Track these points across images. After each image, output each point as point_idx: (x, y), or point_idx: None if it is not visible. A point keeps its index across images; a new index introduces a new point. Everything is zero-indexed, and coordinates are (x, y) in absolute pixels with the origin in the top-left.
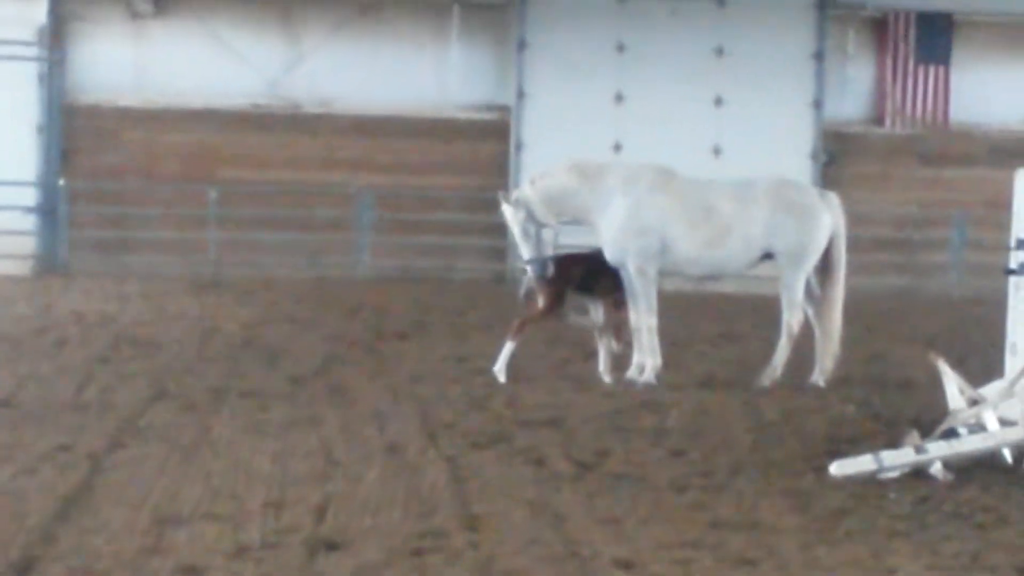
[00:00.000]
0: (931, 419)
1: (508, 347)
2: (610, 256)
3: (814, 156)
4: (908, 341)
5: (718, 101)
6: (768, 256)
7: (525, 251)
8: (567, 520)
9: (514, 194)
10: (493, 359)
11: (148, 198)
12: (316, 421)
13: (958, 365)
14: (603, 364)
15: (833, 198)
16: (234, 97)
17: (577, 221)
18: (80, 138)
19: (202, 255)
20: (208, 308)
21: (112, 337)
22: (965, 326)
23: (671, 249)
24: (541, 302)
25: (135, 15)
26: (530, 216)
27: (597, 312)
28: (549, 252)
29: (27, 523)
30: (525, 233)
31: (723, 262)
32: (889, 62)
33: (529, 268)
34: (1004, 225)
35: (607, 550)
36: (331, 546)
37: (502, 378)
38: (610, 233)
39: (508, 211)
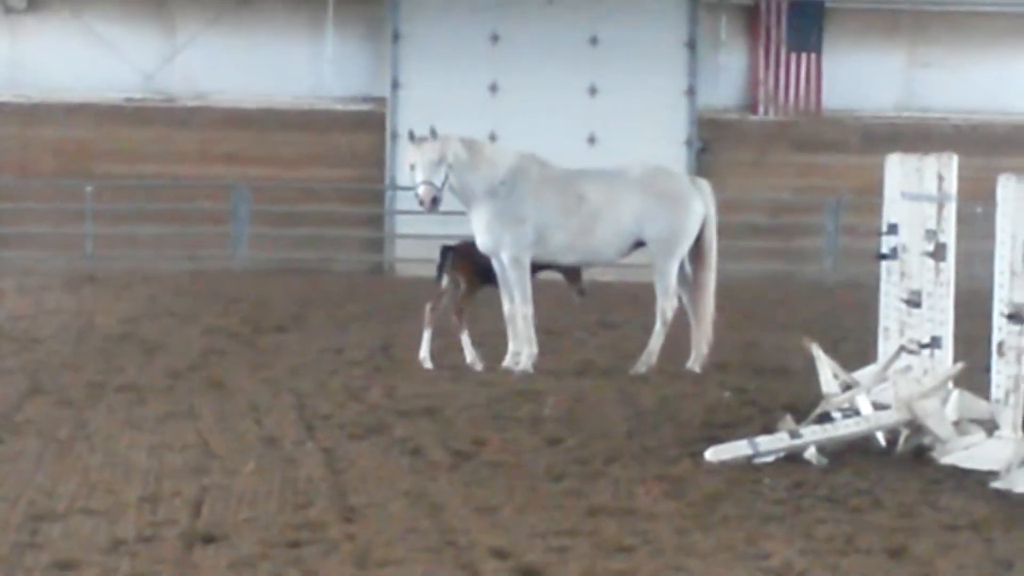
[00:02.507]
0: (806, 404)
1: (427, 334)
2: (483, 245)
3: (688, 144)
4: (783, 327)
5: (592, 90)
6: (640, 243)
7: (433, 176)
8: (444, 510)
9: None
10: (370, 350)
11: (23, 194)
12: (193, 414)
13: (832, 350)
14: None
15: (704, 185)
16: (109, 91)
17: (455, 193)
18: None
19: (79, 250)
20: (85, 303)
21: None
22: (839, 311)
23: (544, 238)
24: (462, 284)
25: (8, 9)
26: (440, 161)
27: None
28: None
29: None
30: (434, 167)
31: (595, 250)
32: (761, 50)
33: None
34: (877, 211)
35: (484, 539)
36: (207, 539)
37: (428, 365)
38: (484, 222)
39: (432, 142)
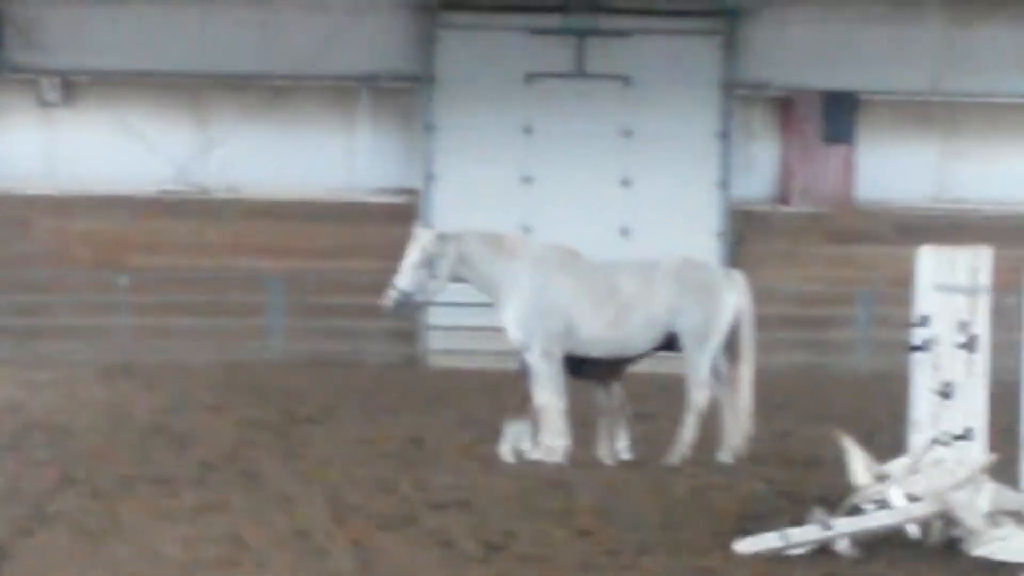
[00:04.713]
0: (837, 496)
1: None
2: (514, 337)
3: (721, 235)
4: (815, 419)
5: (625, 182)
6: (672, 337)
7: (402, 284)
8: None
9: (446, 231)
10: (402, 441)
11: (59, 285)
12: (225, 506)
13: (864, 442)
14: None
15: (738, 276)
16: (144, 184)
17: (478, 288)
18: None
19: (113, 342)
20: (119, 395)
21: (21, 424)
22: (871, 403)
23: (575, 330)
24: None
25: (44, 103)
26: (433, 259)
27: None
28: (419, 299)
29: None
30: (419, 266)
31: (626, 342)
32: (794, 141)
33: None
34: (909, 303)
35: None
36: None
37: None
38: (516, 313)
39: (423, 237)
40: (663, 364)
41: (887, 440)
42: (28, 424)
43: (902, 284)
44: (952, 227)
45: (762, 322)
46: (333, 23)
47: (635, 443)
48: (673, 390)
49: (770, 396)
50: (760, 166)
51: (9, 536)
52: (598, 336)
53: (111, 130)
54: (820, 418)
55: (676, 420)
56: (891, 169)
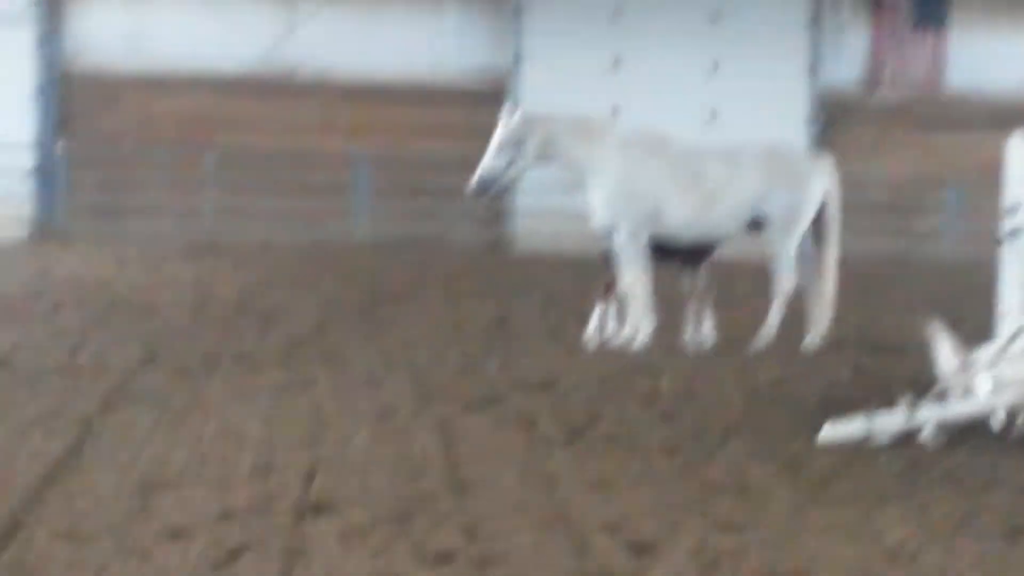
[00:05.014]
0: (924, 383)
1: (597, 311)
2: (601, 220)
3: (809, 121)
4: (901, 306)
5: (714, 66)
6: (759, 222)
7: (486, 166)
8: (557, 484)
9: (532, 113)
10: (487, 323)
11: (145, 163)
12: (308, 385)
13: (951, 330)
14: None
15: (826, 162)
16: (230, 63)
17: (565, 171)
18: (77, 103)
19: (199, 220)
20: (204, 273)
21: (107, 302)
22: (958, 292)
23: (661, 214)
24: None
25: None
26: (519, 142)
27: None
28: (506, 181)
29: (14, 486)
30: (506, 148)
31: (712, 227)
32: (885, 27)
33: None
34: (999, 191)
35: (595, 514)
36: (318, 509)
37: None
38: (602, 197)
39: (514, 119)
40: (750, 249)
41: (973, 329)
42: (114, 301)
43: (993, 172)
44: None
45: (848, 209)
46: None
47: (720, 328)
48: (759, 275)
49: (856, 284)
50: (849, 52)
51: (94, 412)
52: (684, 220)
53: (198, 8)
54: (906, 306)
55: (762, 306)
56: (983, 55)
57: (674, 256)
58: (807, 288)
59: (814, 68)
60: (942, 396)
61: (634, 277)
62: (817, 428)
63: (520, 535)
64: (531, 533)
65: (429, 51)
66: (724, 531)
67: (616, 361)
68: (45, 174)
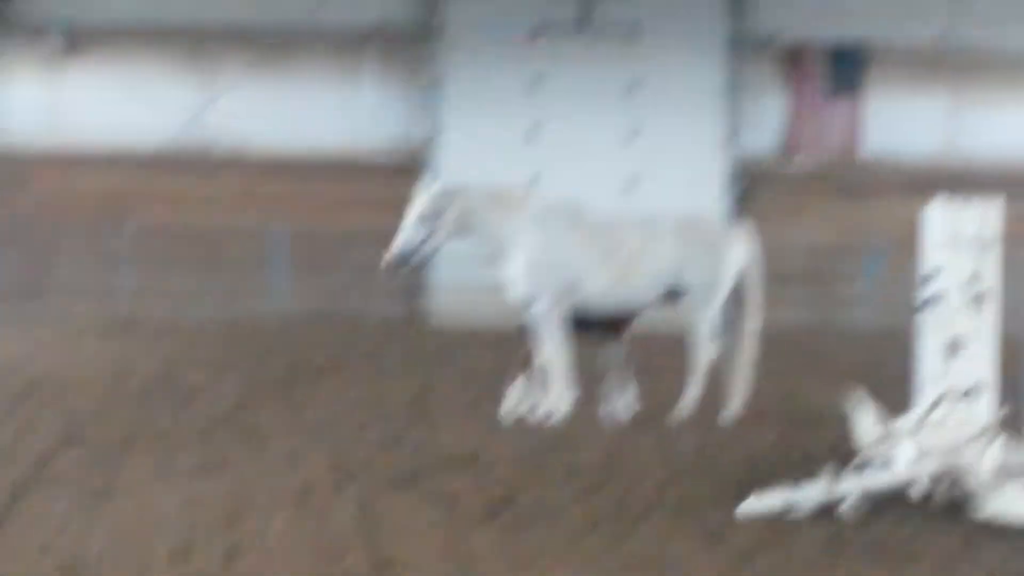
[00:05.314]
0: (844, 454)
1: (516, 385)
2: (519, 293)
3: (728, 188)
4: (821, 375)
5: (633, 134)
6: (676, 292)
7: (403, 240)
8: (479, 561)
9: (448, 186)
10: (406, 399)
11: (61, 241)
12: (228, 464)
13: (871, 398)
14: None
15: (745, 230)
16: (148, 138)
17: (483, 243)
18: None
19: (116, 298)
20: (122, 351)
21: (23, 383)
22: (878, 359)
23: (579, 285)
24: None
25: (47, 56)
26: (436, 214)
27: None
28: (423, 255)
29: None
30: (423, 222)
31: (631, 298)
32: (801, 94)
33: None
34: (917, 256)
35: None
36: None
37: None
38: (520, 269)
39: (431, 192)
40: (668, 320)
41: (893, 397)
42: (30, 382)
43: (909, 238)
44: (961, 180)
45: (766, 277)
46: None
47: (640, 400)
48: (679, 346)
49: (775, 353)
50: (766, 119)
51: (8, 499)
52: (602, 291)
53: (115, 84)
54: (826, 375)
55: (681, 377)
56: (899, 121)
57: (593, 327)
58: (727, 358)
59: (732, 135)
60: (863, 466)
61: (553, 349)
62: (739, 500)
63: None
64: None
65: (346, 124)
66: None
67: (536, 435)
68: None
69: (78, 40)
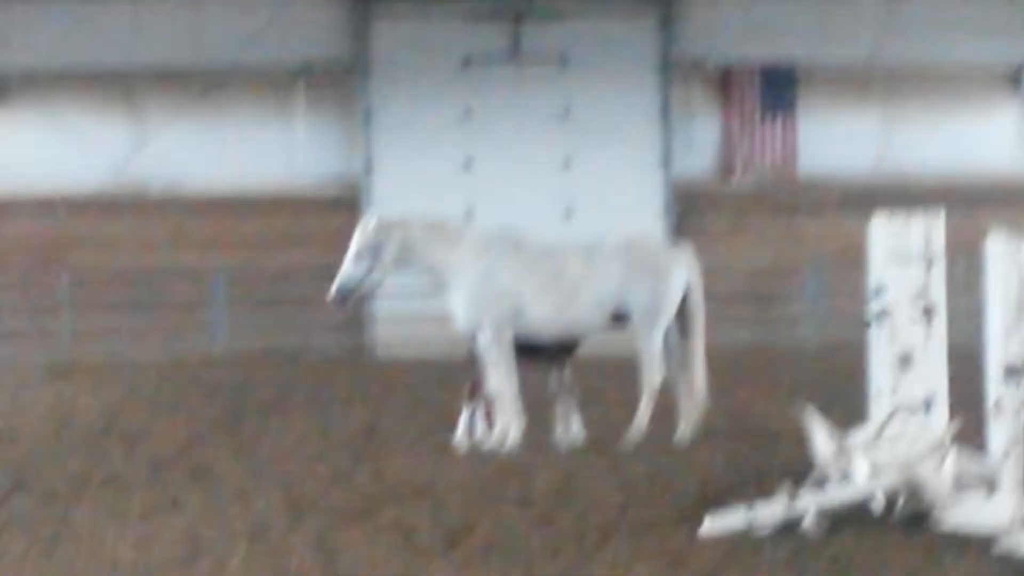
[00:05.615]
0: (800, 470)
1: (465, 414)
2: (462, 323)
3: (665, 212)
4: (770, 393)
5: (567, 162)
6: (622, 315)
7: (345, 274)
8: None
9: (389, 218)
10: (355, 432)
11: None
12: (179, 504)
13: (823, 414)
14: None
15: (685, 251)
16: (82, 182)
17: (425, 275)
18: None
19: (56, 342)
20: (65, 395)
21: None
22: (825, 376)
23: (523, 313)
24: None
25: None
26: (377, 248)
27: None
28: (365, 288)
29: None
30: (363, 255)
31: (575, 323)
32: (735, 116)
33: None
34: (857, 273)
35: None
36: None
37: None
38: (463, 300)
39: (370, 226)
40: (614, 345)
41: (843, 412)
42: None
43: (848, 254)
44: (896, 195)
45: (708, 298)
46: (266, 13)
47: (591, 425)
48: (627, 370)
49: (722, 372)
50: (701, 142)
51: None
52: (546, 317)
53: (44, 129)
54: (775, 393)
55: (630, 401)
56: (833, 139)
57: (539, 354)
58: (676, 380)
59: (667, 159)
60: (820, 482)
61: (500, 378)
62: (698, 521)
63: None
64: None
65: (279, 161)
66: None
67: (488, 464)
68: None
69: (7, 87)
